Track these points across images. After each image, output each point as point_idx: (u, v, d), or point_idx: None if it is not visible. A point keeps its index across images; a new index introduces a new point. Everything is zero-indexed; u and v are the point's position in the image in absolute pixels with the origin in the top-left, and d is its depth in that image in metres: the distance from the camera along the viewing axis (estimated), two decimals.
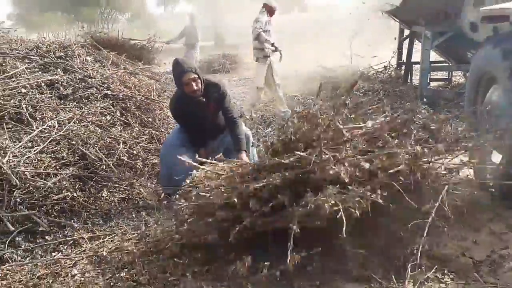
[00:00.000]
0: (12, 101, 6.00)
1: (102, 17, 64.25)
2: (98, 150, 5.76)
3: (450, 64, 11.38)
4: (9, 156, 5.06)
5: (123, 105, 6.98)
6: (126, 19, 75.82)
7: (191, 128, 5.59)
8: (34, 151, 5.32)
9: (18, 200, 4.83)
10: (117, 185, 5.63)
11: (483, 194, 5.40)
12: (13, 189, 4.86)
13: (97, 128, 6.19)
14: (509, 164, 4.93)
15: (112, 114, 6.67)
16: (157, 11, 67.47)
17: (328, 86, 11.01)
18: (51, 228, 4.82)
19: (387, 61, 11.77)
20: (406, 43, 11.66)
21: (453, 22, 9.82)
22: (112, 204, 5.33)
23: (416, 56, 11.28)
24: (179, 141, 5.50)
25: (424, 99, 10.08)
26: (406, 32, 11.70)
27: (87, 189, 5.36)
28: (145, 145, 6.54)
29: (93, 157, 5.65)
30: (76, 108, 6.43)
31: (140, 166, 6.07)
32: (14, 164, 5.02)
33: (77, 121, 6.13)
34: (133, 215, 5.15)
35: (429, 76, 10.70)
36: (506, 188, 4.93)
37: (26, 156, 5.20)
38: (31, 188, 4.97)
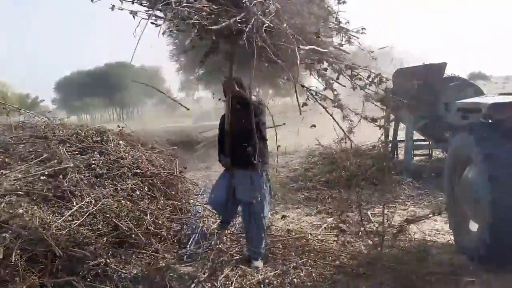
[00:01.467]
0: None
1: (131, 101, 66.15)
2: (128, 221, 5.78)
3: (430, 142, 11.47)
4: (53, 229, 5.09)
5: (150, 181, 7.04)
6: (152, 103, 77.69)
7: None
8: (74, 224, 5.36)
9: (59, 267, 4.82)
10: (144, 251, 5.61)
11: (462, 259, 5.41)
12: (56, 258, 4.85)
13: (128, 202, 6.23)
14: (484, 232, 4.98)
15: (141, 189, 6.72)
16: (179, 95, 68.47)
17: (326, 161, 11.12)
18: None
19: (376, 140, 11.86)
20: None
21: (433, 109, 10.00)
22: (139, 268, 5.27)
23: (401, 135, 11.42)
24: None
25: (409, 173, 10.14)
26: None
27: (118, 255, 5.34)
28: (168, 215, 6.55)
29: (124, 228, 5.66)
30: (110, 185, 6.50)
31: (164, 234, 6.06)
32: (57, 237, 5.03)
33: (111, 197, 6.18)
34: (158, 278, 5.08)
35: (412, 153, 10.82)
36: (484, 253, 4.95)
37: (67, 229, 5.23)
38: (71, 256, 4.95)
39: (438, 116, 9.93)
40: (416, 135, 11.39)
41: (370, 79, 5.50)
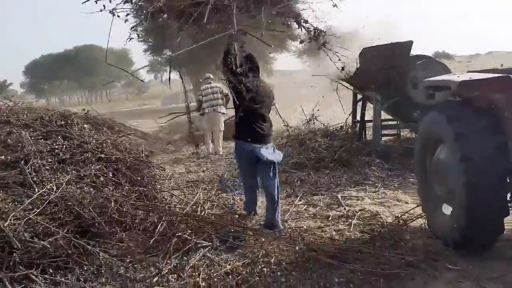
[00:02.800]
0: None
1: (101, 85, 64.92)
2: (91, 209, 5.38)
3: (398, 122, 11.31)
4: (10, 219, 4.70)
5: (115, 166, 6.63)
6: (121, 85, 76.83)
7: None
8: (34, 213, 4.95)
9: (17, 260, 4.44)
10: (108, 241, 5.25)
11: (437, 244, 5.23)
12: (13, 250, 4.49)
13: (91, 189, 5.82)
14: (458, 215, 4.78)
15: (105, 175, 6.32)
16: (147, 77, 67.73)
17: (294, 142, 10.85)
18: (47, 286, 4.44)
19: (344, 121, 11.63)
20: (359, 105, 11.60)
21: (400, 88, 9.81)
22: (102, 260, 4.88)
23: (369, 116, 11.22)
24: None
25: (378, 153, 9.96)
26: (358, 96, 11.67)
27: (80, 247, 4.94)
28: (133, 202, 6.14)
29: (87, 216, 5.28)
30: (73, 171, 6.09)
31: (129, 222, 5.66)
32: (15, 227, 4.66)
33: (74, 183, 5.79)
34: (122, 270, 4.73)
35: (381, 133, 10.63)
36: (458, 238, 4.76)
37: (26, 218, 4.83)
38: (29, 248, 4.58)
39: (406, 96, 9.74)
40: (384, 115, 11.16)
41: (312, 33, 5.71)
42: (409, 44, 10.08)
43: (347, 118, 11.61)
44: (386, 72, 9.94)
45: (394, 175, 9.08)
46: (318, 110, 12.01)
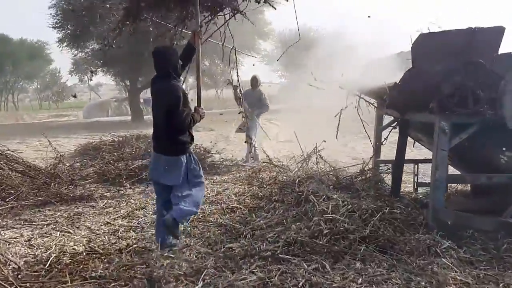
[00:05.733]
0: None
1: (7, 87, 55.99)
2: None
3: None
4: None
5: None
6: (35, 89, 66.51)
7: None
8: None
9: None
10: None
11: None
12: None
13: None
14: None
15: None
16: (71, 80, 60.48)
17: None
18: None
19: (365, 160, 7.19)
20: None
21: (486, 111, 5.54)
22: None
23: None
24: None
25: (439, 228, 5.59)
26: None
27: None
28: None
29: None
30: None
31: None
32: None
33: None
34: None
35: (446, 190, 6.20)
36: None
37: None
38: None
39: (499, 126, 5.52)
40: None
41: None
42: (499, 31, 5.88)
43: (370, 159, 7.21)
44: (457, 77, 5.67)
45: (485, 278, 4.74)
46: (324, 141, 7.45)
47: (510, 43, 6.20)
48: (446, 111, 5.65)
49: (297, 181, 6.81)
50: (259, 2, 6.27)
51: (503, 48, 6.03)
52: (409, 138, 6.90)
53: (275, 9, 6.59)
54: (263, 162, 9.45)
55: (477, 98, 5.60)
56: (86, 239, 6.16)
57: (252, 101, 11.67)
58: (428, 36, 5.94)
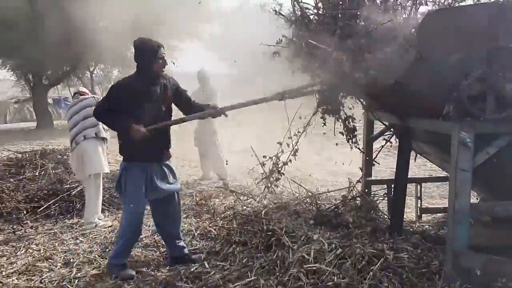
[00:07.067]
0: None
1: None
2: None
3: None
4: None
5: None
6: None
7: (138, 115, 4.68)
8: None
9: None
10: None
11: None
12: None
13: None
14: None
15: None
16: None
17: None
18: None
19: (351, 181, 5.66)
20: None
21: None
22: None
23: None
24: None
25: (462, 279, 4.09)
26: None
27: None
28: None
29: None
30: None
31: None
32: None
33: None
34: None
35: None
36: None
37: None
38: None
39: None
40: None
41: None
42: None
43: (359, 179, 5.69)
44: (482, 70, 4.22)
45: None
46: (296, 150, 5.59)
47: None
48: (468, 117, 4.16)
49: (263, 213, 5.21)
50: None
51: None
52: None
53: None
54: (216, 187, 7.77)
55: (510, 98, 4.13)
56: None
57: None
58: (438, 14, 4.46)
